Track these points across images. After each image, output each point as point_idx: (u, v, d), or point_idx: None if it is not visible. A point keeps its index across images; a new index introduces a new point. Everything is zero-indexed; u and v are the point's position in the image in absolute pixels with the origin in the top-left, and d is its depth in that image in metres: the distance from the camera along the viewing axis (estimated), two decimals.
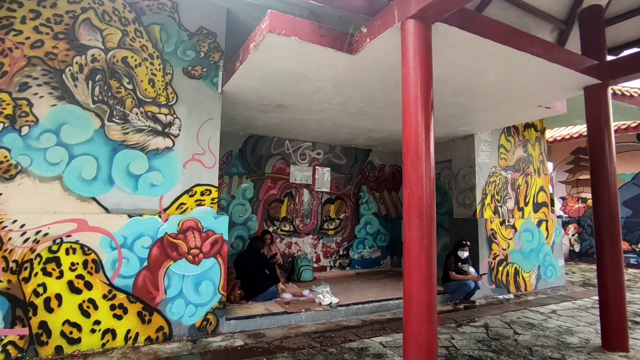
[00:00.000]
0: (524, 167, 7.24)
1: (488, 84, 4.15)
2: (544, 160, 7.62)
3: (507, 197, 6.89)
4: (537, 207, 7.30)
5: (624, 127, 9.10)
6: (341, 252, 7.75)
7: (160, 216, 4.00)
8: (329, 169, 7.73)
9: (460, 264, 5.80)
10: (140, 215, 3.90)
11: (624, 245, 9.85)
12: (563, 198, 11.32)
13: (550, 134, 10.98)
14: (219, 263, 4.23)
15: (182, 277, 4.03)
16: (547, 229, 7.23)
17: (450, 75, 3.90)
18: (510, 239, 6.67)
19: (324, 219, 7.62)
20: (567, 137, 10.29)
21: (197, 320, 4.07)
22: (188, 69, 4.38)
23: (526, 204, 7.14)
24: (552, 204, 11.85)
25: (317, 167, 7.59)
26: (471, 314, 5.20)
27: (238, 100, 4.92)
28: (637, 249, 9.46)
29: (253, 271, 5.27)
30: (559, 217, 11.21)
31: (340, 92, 4.53)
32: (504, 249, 6.54)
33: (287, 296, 5.34)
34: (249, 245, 5.62)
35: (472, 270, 5.87)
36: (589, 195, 10.69)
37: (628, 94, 6.75)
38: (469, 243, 5.81)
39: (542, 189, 7.47)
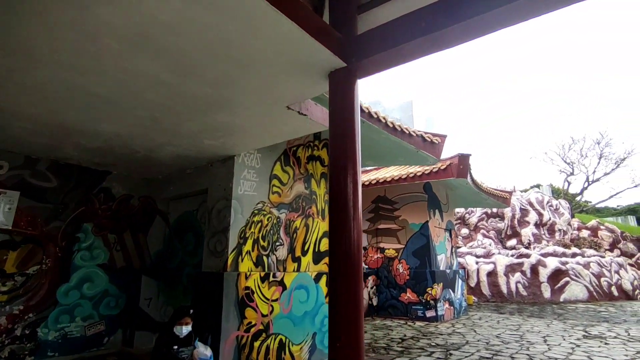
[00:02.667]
0: (304, 206, 5.89)
1: (173, 33, 2.36)
2: None
3: (277, 244, 5.27)
4: (318, 257, 5.94)
5: (412, 175, 9.13)
6: (19, 332, 4.66)
7: None
8: (17, 193, 4.81)
9: (177, 347, 3.63)
10: None
11: (412, 297, 9.63)
12: (365, 248, 10.85)
13: None
14: None
15: None
16: (328, 285, 5.86)
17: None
18: (276, 300, 4.95)
19: None
20: (366, 183, 9.97)
21: None
22: None
23: (304, 253, 5.69)
24: None
25: None
26: None
27: None
28: (424, 300, 9.25)
29: None
30: None
31: None
32: (264, 315, 4.74)
33: None
34: None
35: (205, 352, 3.78)
36: (387, 245, 10.44)
37: (407, 132, 6.29)
38: (192, 311, 3.75)
39: (326, 234, 6.22)
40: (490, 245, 18.66)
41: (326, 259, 6.09)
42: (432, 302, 9.16)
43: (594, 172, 34.86)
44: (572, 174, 35.81)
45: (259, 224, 5.06)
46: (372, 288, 10.31)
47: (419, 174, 8.97)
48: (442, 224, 10.76)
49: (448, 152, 8.17)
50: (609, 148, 34.12)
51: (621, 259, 17.52)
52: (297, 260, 5.52)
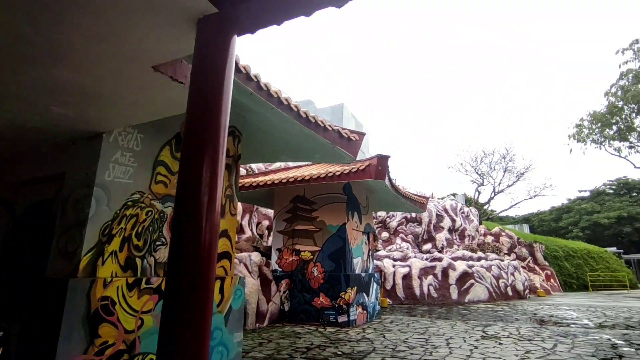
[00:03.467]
0: None
1: None
2: (234, 196, 5.75)
3: (158, 243, 4.38)
4: None
5: (330, 175, 8.74)
6: None
7: None
8: None
9: None
10: None
11: (325, 301, 9.22)
12: (279, 250, 10.22)
13: (271, 176, 9.95)
14: None
15: None
16: (222, 291, 5.10)
17: None
18: (148, 311, 4.05)
19: None
20: (284, 180, 9.37)
21: None
22: None
23: None
24: (269, 257, 10.63)
25: None
26: None
27: None
28: (336, 305, 8.89)
29: None
30: (274, 271, 9.96)
31: None
32: (128, 331, 3.82)
33: None
34: None
35: None
36: (303, 247, 9.91)
37: (322, 125, 5.80)
38: (2, 333, 2.75)
39: (225, 233, 5.45)
40: (407, 249, 19.28)
41: (223, 262, 5.32)
42: (344, 306, 8.83)
43: (499, 183, 38.62)
44: (482, 184, 39.28)
45: (134, 219, 4.13)
46: (284, 292, 9.70)
47: (337, 173, 8.60)
48: (360, 226, 10.56)
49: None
50: (512, 163, 38.07)
51: (516, 262, 19.26)
52: None
